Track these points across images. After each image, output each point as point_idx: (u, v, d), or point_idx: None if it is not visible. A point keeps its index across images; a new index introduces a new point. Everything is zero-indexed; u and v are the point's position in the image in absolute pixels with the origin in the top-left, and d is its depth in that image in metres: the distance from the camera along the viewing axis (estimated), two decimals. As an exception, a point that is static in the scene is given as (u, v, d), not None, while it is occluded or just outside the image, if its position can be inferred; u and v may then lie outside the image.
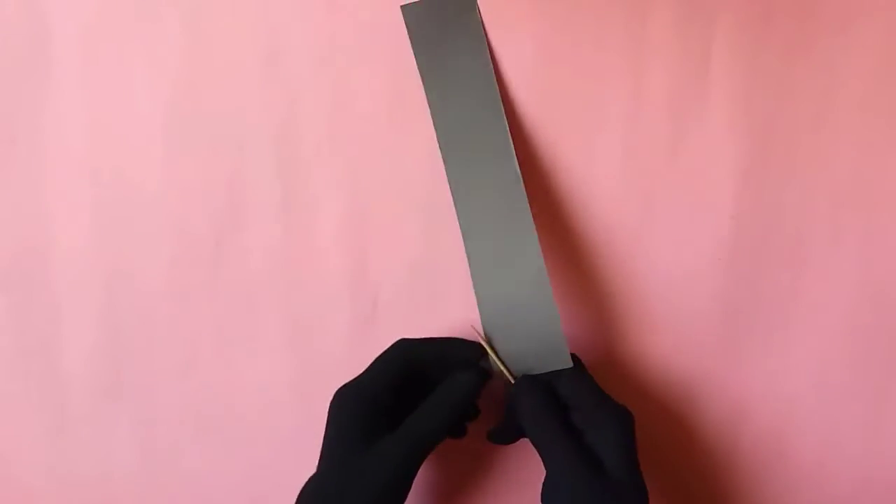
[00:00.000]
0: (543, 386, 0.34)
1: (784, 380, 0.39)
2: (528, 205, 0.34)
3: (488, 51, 0.35)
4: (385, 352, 0.35)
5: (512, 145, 0.35)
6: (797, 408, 0.39)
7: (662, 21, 0.36)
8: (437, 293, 0.38)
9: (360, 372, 0.34)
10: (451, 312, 0.38)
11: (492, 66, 0.35)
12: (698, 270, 0.38)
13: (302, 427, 0.39)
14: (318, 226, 0.38)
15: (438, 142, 0.35)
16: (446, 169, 0.35)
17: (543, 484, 0.33)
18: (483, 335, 0.35)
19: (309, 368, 0.39)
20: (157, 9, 0.37)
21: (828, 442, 0.39)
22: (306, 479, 0.33)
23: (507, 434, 0.36)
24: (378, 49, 0.37)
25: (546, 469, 0.33)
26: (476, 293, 0.35)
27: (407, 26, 0.36)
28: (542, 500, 0.33)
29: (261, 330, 0.39)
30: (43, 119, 0.37)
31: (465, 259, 0.36)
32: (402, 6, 0.36)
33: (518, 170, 0.34)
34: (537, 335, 0.34)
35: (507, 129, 0.35)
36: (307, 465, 0.34)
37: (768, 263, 0.38)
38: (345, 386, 0.34)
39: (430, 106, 0.35)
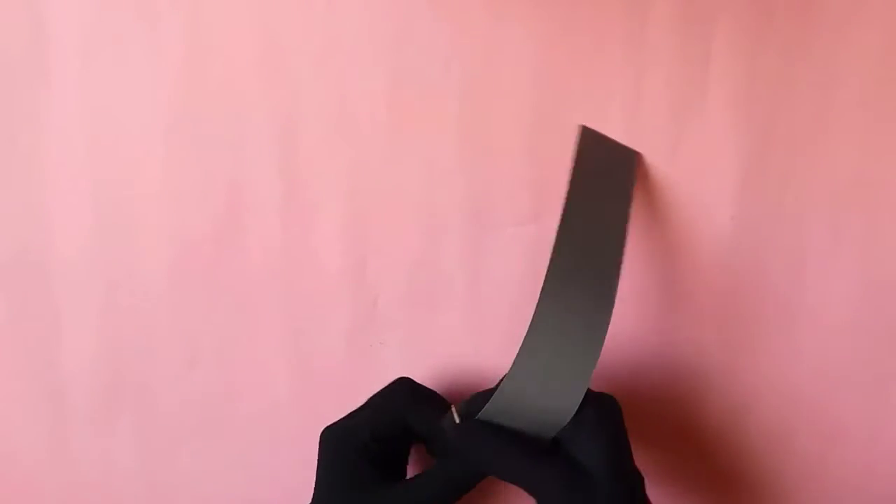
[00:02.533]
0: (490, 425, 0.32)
1: (786, 378, 0.39)
2: (602, 342, 0.31)
3: (630, 204, 0.35)
4: (384, 391, 0.34)
5: (616, 288, 0.32)
6: (799, 405, 0.39)
7: (662, 21, 0.36)
8: (437, 293, 0.38)
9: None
10: (451, 312, 0.39)
11: (628, 221, 0.34)
12: (698, 270, 0.38)
13: (302, 427, 0.39)
14: (318, 226, 0.38)
15: (554, 249, 0.32)
16: (549, 272, 0.32)
17: None
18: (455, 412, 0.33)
19: (309, 368, 0.39)
20: (157, 9, 0.37)
21: (831, 436, 0.39)
22: (304, 480, 0.33)
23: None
24: (378, 49, 0.37)
25: (535, 498, 0.31)
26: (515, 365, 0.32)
27: (578, 142, 0.36)
28: None
29: (260, 330, 0.39)
30: (43, 119, 0.37)
31: (465, 259, 0.36)
32: (582, 125, 0.36)
33: (610, 316, 0.32)
34: (541, 419, 0.32)
35: (618, 272, 0.32)
36: (307, 465, 0.33)
37: (769, 263, 0.38)
38: (336, 426, 0.33)
39: (563, 217, 0.33)
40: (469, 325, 0.38)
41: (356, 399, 0.35)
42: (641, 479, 0.32)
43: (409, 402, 0.34)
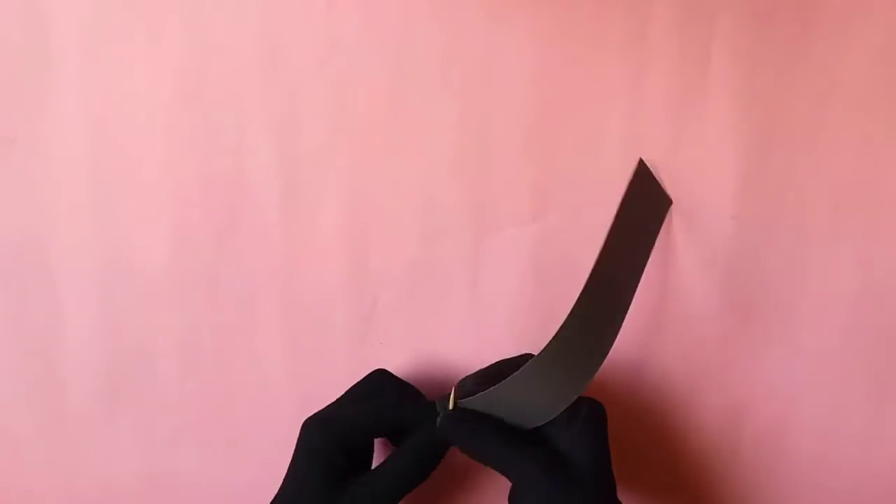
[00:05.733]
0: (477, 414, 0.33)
1: (785, 378, 0.39)
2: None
3: (655, 237, 0.37)
4: (361, 383, 0.36)
5: (623, 318, 0.35)
6: (798, 406, 0.39)
7: (662, 21, 0.36)
8: (437, 293, 0.38)
9: (351, 382, 0.35)
10: (451, 312, 0.39)
11: (651, 248, 0.37)
12: (698, 270, 0.38)
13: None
14: (318, 226, 0.38)
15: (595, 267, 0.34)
16: (583, 292, 0.33)
17: (511, 493, 0.32)
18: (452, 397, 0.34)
19: (308, 368, 0.39)
20: (157, 9, 0.37)
21: (828, 439, 0.39)
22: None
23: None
24: (378, 49, 0.37)
25: (512, 482, 0.32)
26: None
27: (634, 175, 0.36)
28: None
29: (260, 330, 0.39)
30: (43, 118, 0.37)
31: (465, 259, 0.37)
32: (640, 158, 0.37)
33: (614, 339, 0.34)
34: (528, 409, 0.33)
35: (629, 304, 0.35)
36: (307, 465, 0.34)
37: (769, 263, 0.38)
38: (316, 417, 0.34)
39: (606, 240, 0.34)
40: (469, 325, 0.38)
41: (356, 399, 0.35)
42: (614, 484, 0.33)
43: (390, 393, 0.36)
